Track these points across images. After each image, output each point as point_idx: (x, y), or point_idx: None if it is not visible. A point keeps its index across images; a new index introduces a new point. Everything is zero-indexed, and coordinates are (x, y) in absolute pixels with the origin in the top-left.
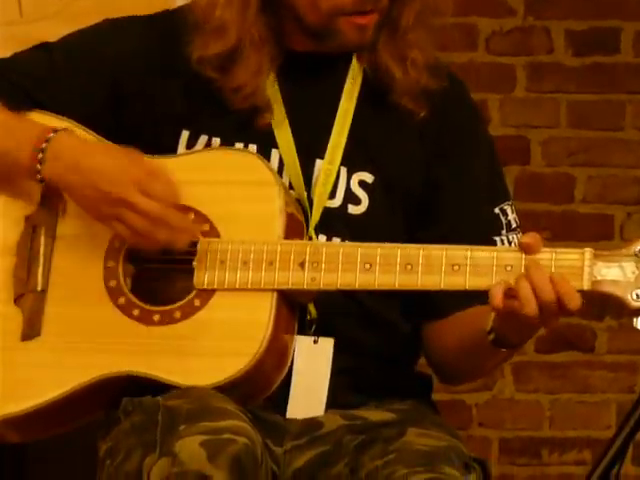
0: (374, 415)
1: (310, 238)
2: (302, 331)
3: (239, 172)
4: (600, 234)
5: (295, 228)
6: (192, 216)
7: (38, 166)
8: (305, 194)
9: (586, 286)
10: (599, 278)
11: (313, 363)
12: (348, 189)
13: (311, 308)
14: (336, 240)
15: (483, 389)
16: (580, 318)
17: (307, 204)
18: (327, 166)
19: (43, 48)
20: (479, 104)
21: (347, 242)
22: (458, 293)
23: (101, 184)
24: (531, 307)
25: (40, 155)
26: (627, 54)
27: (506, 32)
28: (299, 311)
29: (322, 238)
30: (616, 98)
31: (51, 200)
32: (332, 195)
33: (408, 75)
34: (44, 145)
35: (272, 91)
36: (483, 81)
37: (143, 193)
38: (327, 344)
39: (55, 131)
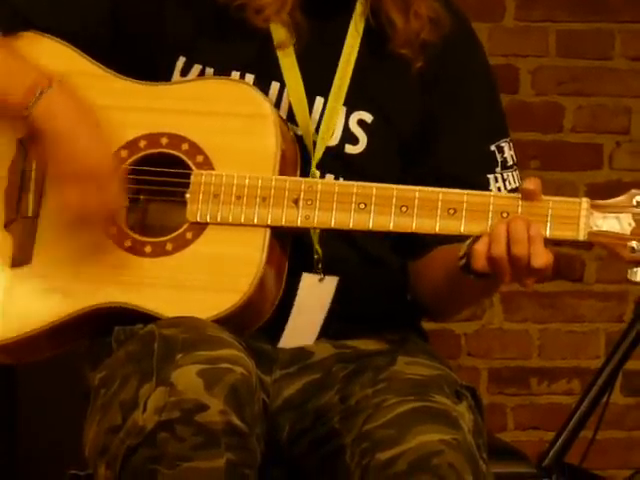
0: (364, 344)
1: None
2: (310, 270)
3: (235, 104)
4: (589, 163)
5: (289, 164)
6: (186, 146)
7: (25, 112)
8: (312, 131)
9: (581, 236)
10: (595, 229)
11: (316, 300)
12: (346, 128)
13: (317, 247)
14: (330, 177)
15: (472, 319)
16: (569, 247)
17: (311, 141)
18: (332, 104)
19: None
20: None
21: (342, 181)
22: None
23: (88, 148)
24: (500, 247)
25: (31, 102)
26: None
27: None
28: (306, 250)
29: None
30: (606, 27)
31: None
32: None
33: (409, 25)
34: (38, 93)
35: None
36: (472, 10)
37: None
38: (331, 282)
39: (49, 84)
